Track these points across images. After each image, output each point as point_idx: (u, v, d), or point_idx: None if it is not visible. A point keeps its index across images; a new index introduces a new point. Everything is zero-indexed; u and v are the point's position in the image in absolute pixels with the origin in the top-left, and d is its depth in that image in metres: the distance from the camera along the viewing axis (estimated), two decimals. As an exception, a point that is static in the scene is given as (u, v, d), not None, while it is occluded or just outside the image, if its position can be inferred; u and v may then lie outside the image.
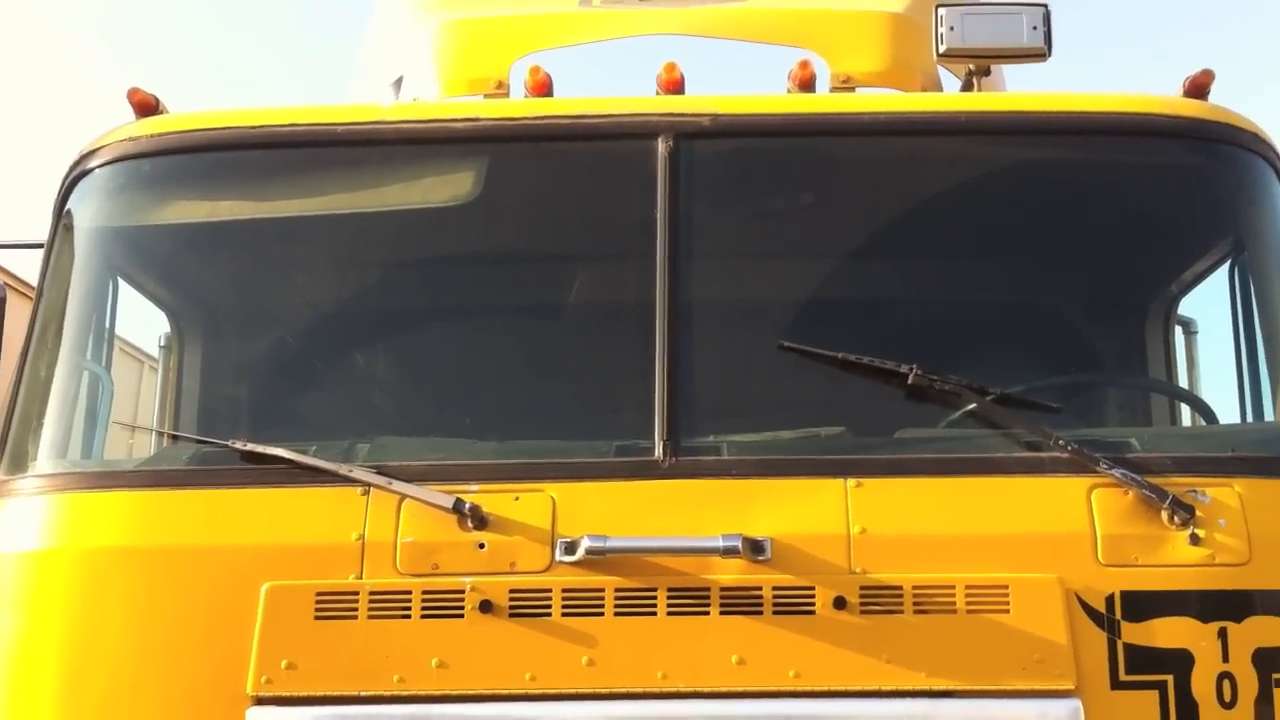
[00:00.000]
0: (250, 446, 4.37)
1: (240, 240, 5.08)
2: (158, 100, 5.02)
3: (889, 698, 3.98)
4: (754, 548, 4.07)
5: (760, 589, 4.06)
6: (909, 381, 4.42)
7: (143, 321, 5.68)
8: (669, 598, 4.07)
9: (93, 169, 4.89)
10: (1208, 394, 5.61)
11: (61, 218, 4.91)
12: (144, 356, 7.90)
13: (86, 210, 4.92)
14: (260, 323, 5.18)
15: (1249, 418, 5.02)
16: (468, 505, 4.15)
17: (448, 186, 4.93)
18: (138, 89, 4.99)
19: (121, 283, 5.12)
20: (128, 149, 4.87)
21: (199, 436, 4.69)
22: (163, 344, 5.82)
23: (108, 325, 5.04)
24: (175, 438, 5.08)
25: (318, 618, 4.06)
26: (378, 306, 5.16)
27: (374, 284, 5.15)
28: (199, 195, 5.05)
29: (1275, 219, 4.90)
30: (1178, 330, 5.87)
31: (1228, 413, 5.09)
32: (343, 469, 4.27)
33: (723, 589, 4.07)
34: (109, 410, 4.93)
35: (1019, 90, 5.77)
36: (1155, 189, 5.09)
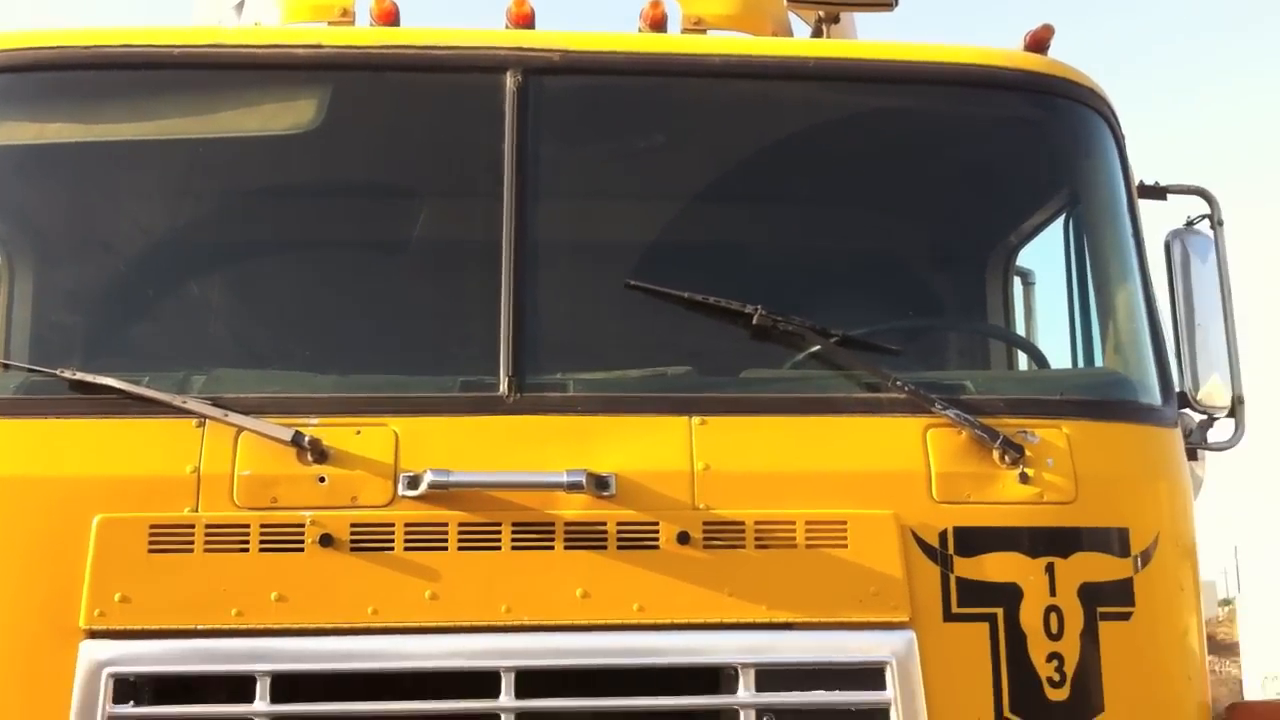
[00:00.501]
0: (81, 375, 4.24)
1: (72, 164, 4.90)
2: (-15, 18, 4.82)
3: (731, 630, 4.03)
4: (598, 483, 4.09)
5: (605, 524, 4.08)
6: (754, 322, 4.46)
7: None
8: (513, 532, 4.06)
9: (-85, 87, 4.67)
10: (1043, 343, 5.77)
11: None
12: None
13: (-92, 130, 4.70)
14: (93, 250, 4.99)
15: (1080, 364, 5.18)
16: (307, 438, 4.08)
17: (288, 114, 4.81)
18: (-36, 6, 4.79)
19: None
20: None
21: (29, 365, 4.52)
22: (-9, 272, 5.58)
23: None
24: (5, 366, 4.89)
25: (152, 551, 3.97)
26: (215, 236, 5.02)
27: (212, 212, 5.00)
28: (28, 117, 4.86)
29: (1109, 173, 5.04)
30: (1016, 281, 6.01)
31: (1060, 360, 5.24)
32: (177, 400, 4.17)
33: (567, 524, 4.07)
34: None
35: (866, 39, 5.84)
36: (995, 141, 5.21)
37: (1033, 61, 5.02)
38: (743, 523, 4.12)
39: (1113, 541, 4.29)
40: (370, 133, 4.92)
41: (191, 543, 3.99)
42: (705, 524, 4.11)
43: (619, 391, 4.43)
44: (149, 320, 4.88)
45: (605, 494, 4.10)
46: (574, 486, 4.06)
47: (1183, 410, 4.82)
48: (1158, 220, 5.20)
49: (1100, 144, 5.06)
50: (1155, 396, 4.70)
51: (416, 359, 4.66)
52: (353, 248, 5.06)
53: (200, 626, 3.93)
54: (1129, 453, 4.52)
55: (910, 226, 5.49)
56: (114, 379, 4.20)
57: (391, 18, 5.21)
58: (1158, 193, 5.28)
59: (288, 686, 3.90)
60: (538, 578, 4.03)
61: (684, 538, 4.08)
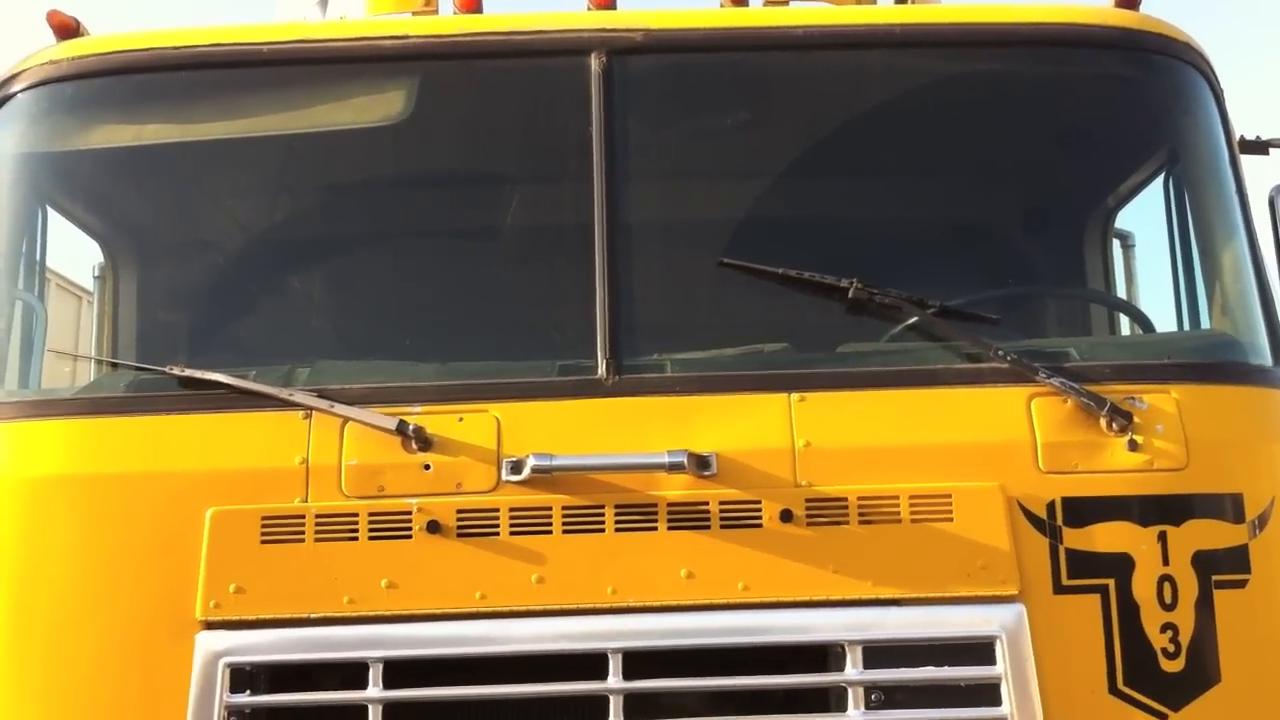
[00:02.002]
0: (189, 372, 4.32)
1: (168, 164, 4.99)
2: (78, 22, 4.90)
3: (836, 607, 4.02)
4: (699, 463, 4.08)
5: (707, 504, 4.08)
6: (850, 296, 4.43)
7: (79, 257, 5.59)
8: (616, 514, 4.07)
9: (14, 94, 4.78)
10: (1145, 307, 5.67)
11: (-15, 145, 4.80)
12: (81, 292, 7.75)
13: (9, 137, 4.82)
14: (194, 248, 5.10)
15: (1185, 327, 5.08)
16: (411, 427, 4.12)
17: (378, 106, 4.85)
18: (57, 11, 4.88)
19: (53, 213, 5.03)
20: (49, 73, 4.76)
21: (137, 363, 4.62)
22: (97, 274, 5.70)
23: (39, 255, 4.94)
24: (114, 365, 5.00)
25: (264, 541, 4.04)
26: (314, 229, 5.09)
27: (308, 206, 5.08)
28: (124, 119, 4.95)
29: (1208, 129, 4.93)
30: (1115, 244, 5.91)
31: (1165, 324, 5.15)
32: (284, 393, 4.23)
33: (670, 504, 4.08)
34: (44, 340, 4.84)
35: (950, 3, 5.76)
36: (1089, 101, 5.10)
37: (1125, 18, 4.91)
38: (845, 499, 4.10)
39: (1226, 508, 4.19)
40: (459, 121, 4.96)
41: (302, 533, 4.06)
42: (808, 501, 4.09)
43: (716, 370, 4.42)
44: (251, 315, 4.97)
45: (707, 474, 4.09)
46: (675, 467, 4.05)
47: (1293, 370, 4.71)
48: (1261, 175, 5.09)
49: (1198, 99, 4.95)
50: (1266, 357, 4.58)
51: (515, 344, 4.68)
52: (447, 236, 5.10)
53: (313, 615, 3.99)
54: (1240, 416, 4.42)
55: (1005, 192, 5.42)
56: (221, 374, 4.27)
57: (475, 5, 5.23)
58: (1259, 147, 5.15)
59: (400, 672, 3.95)
60: (642, 559, 4.04)
61: (787, 515, 4.07)
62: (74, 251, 5.29)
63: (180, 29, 4.83)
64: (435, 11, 5.45)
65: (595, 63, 4.62)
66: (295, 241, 5.06)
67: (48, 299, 5.05)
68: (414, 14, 5.51)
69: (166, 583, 4.02)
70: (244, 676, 3.94)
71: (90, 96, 4.85)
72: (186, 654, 3.95)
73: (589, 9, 5.05)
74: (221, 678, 3.92)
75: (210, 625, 3.99)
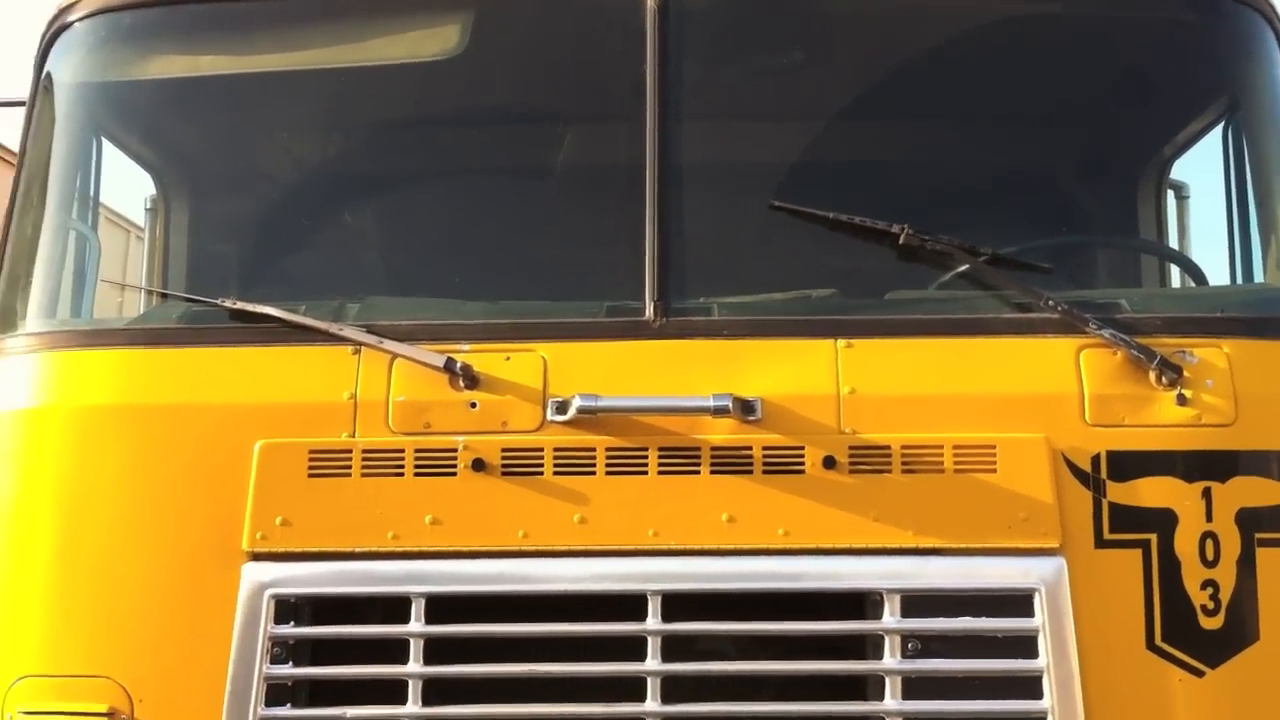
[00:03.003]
0: (240, 305, 4.36)
1: (224, 96, 5.01)
2: (135, -47, 4.91)
3: (876, 555, 4.03)
4: (744, 408, 4.09)
5: (750, 448, 4.09)
6: (900, 242, 4.39)
7: (129, 193, 5.63)
8: (660, 457, 4.09)
9: (72, 23, 4.80)
10: (1199, 260, 5.60)
11: (42, 75, 4.84)
12: (130, 226, 7.82)
13: (66, 66, 4.84)
14: (247, 181, 5.13)
15: (1238, 280, 5.03)
16: (459, 364, 4.15)
17: (433, 41, 4.84)
18: (114, -58, 4.88)
19: (106, 145, 5.07)
20: (107, 2, 4.77)
21: (188, 295, 4.67)
22: (149, 206, 5.76)
23: (93, 186, 4.99)
24: (165, 296, 5.05)
25: (311, 475, 4.09)
26: (365, 164, 5.11)
27: (360, 141, 5.10)
28: (181, 49, 4.96)
29: (1271, 77, 4.84)
30: (1170, 195, 5.83)
31: (1218, 277, 5.09)
32: (333, 327, 4.26)
33: (713, 448, 4.09)
34: (97, 270, 4.90)
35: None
36: (1147, 46, 5.02)
37: (1187, -40, 4.83)
38: (889, 447, 4.09)
39: (1272, 465, 4.15)
40: (513, 57, 4.93)
41: (349, 467, 4.10)
42: (851, 448, 4.09)
43: (764, 315, 4.41)
44: (302, 250, 5.01)
45: (751, 418, 4.10)
46: (720, 411, 4.06)
47: (1346, 327, 4.64)
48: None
49: (1261, 45, 4.84)
50: (1318, 312, 4.53)
51: (563, 284, 4.70)
52: (498, 174, 5.09)
53: (358, 549, 4.05)
54: (1292, 372, 4.38)
55: (1060, 139, 5.35)
56: (273, 308, 4.31)
57: (533, -61, 5.21)
58: (1321, 96, 5.06)
59: (441, 608, 4.01)
60: (684, 502, 4.07)
61: (830, 462, 4.07)
62: (124, 185, 5.33)
63: (239, -39, 4.84)
64: (493, -54, 5.43)
65: None
66: (347, 177, 5.08)
67: (99, 232, 5.10)
68: (472, -51, 5.49)
69: (213, 514, 4.09)
70: (288, 608, 4.00)
71: (147, 26, 4.86)
72: (232, 585, 4.01)
73: (646, -55, 5.01)
74: (266, 609, 3.98)
75: (256, 556, 4.05)
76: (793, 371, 4.20)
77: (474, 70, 4.86)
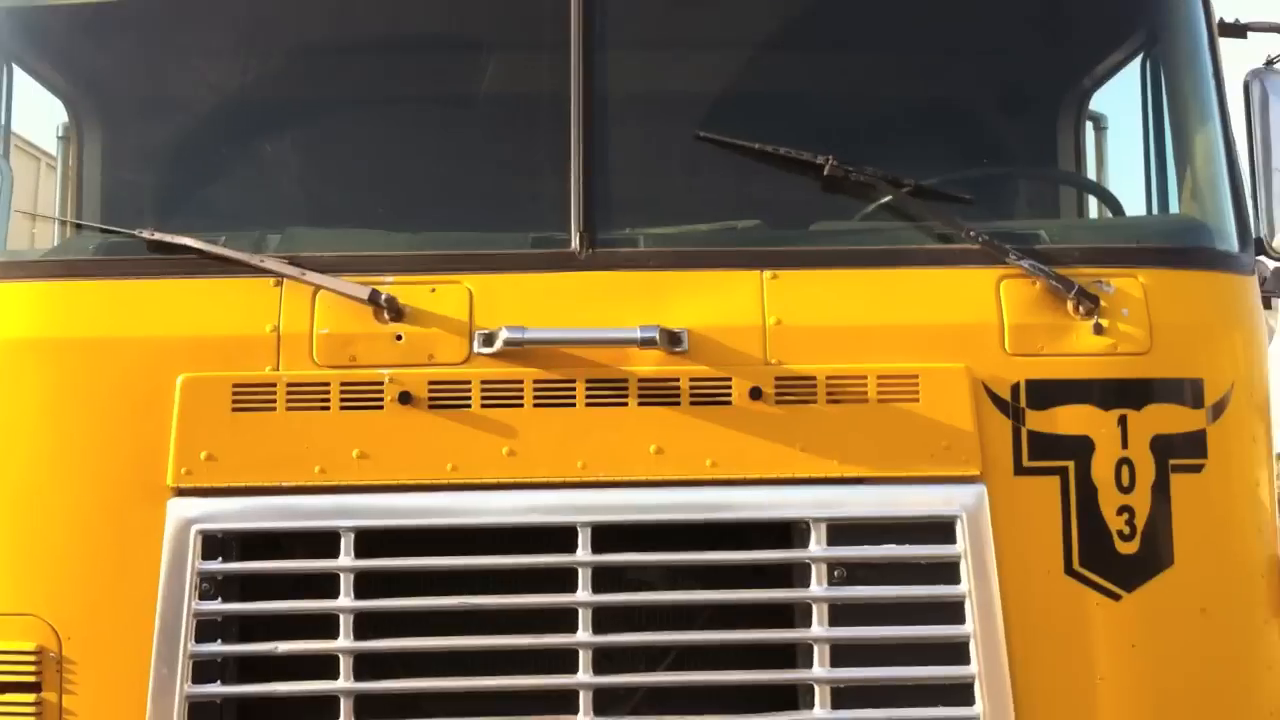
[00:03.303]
0: (159, 236, 4.29)
1: (140, 21, 4.87)
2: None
3: (803, 485, 4.09)
4: (671, 339, 4.11)
5: (677, 380, 4.11)
6: (824, 173, 4.42)
7: (40, 120, 5.48)
8: (587, 389, 4.11)
9: (-20, -53, 4.65)
10: (1117, 191, 5.66)
11: (-51, 1, 4.69)
12: (41, 154, 7.57)
13: (-27, -8, 4.69)
14: (163, 109, 5.01)
15: (1155, 212, 5.11)
16: (384, 296, 4.12)
17: None
18: None
19: (17, 72, 4.93)
20: None
21: (105, 226, 4.57)
22: (61, 134, 5.59)
23: (3, 115, 4.86)
24: (80, 227, 4.95)
25: (235, 409, 4.05)
26: (285, 92, 5.00)
27: (281, 70, 4.97)
28: None
29: (1189, 11, 4.88)
30: (1089, 127, 5.89)
31: (1135, 208, 5.16)
32: (254, 259, 4.21)
33: (641, 380, 4.11)
34: (9, 201, 4.77)
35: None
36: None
37: (1110, -106, 4.86)
38: (814, 377, 4.14)
39: (1186, 393, 4.26)
40: None
41: (274, 401, 4.07)
42: (777, 379, 4.13)
43: (689, 246, 4.42)
44: (221, 179, 4.91)
45: (678, 350, 4.12)
46: (647, 342, 4.08)
47: (1258, 257, 4.74)
48: (1237, 60, 5.06)
49: (1180, -21, 4.90)
50: (1233, 243, 4.61)
51: (489, 216, 4.66)
52: (422, 104, 5.02)
53: (285, 484, 4.03)
54: (1205, 301, 4.46)
55: (981, 71, 5.35)
56: (192, 239, 4.24)
57: None
58: (1238, 30, 5.11)
59: (370, 542, 4.00)
60: (612, 434, 4.09)
61: (756, 393, 4.11)
62: (35, 111, 5.18)
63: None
64: None
65: None
66: (266, 105, 4.97)
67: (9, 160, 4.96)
68: None
69: (137, 449, 4.04)
70: (215, 544, 3.99)
71: None
72: (158, 520, 3.98)
73: None
74: (193, 544, 3.96)
75: (182, 492, 4.02)
76: (719, 303, 4.22)
77: None
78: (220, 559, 3.98)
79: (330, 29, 4.93)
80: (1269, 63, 5.04)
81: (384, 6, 4.81)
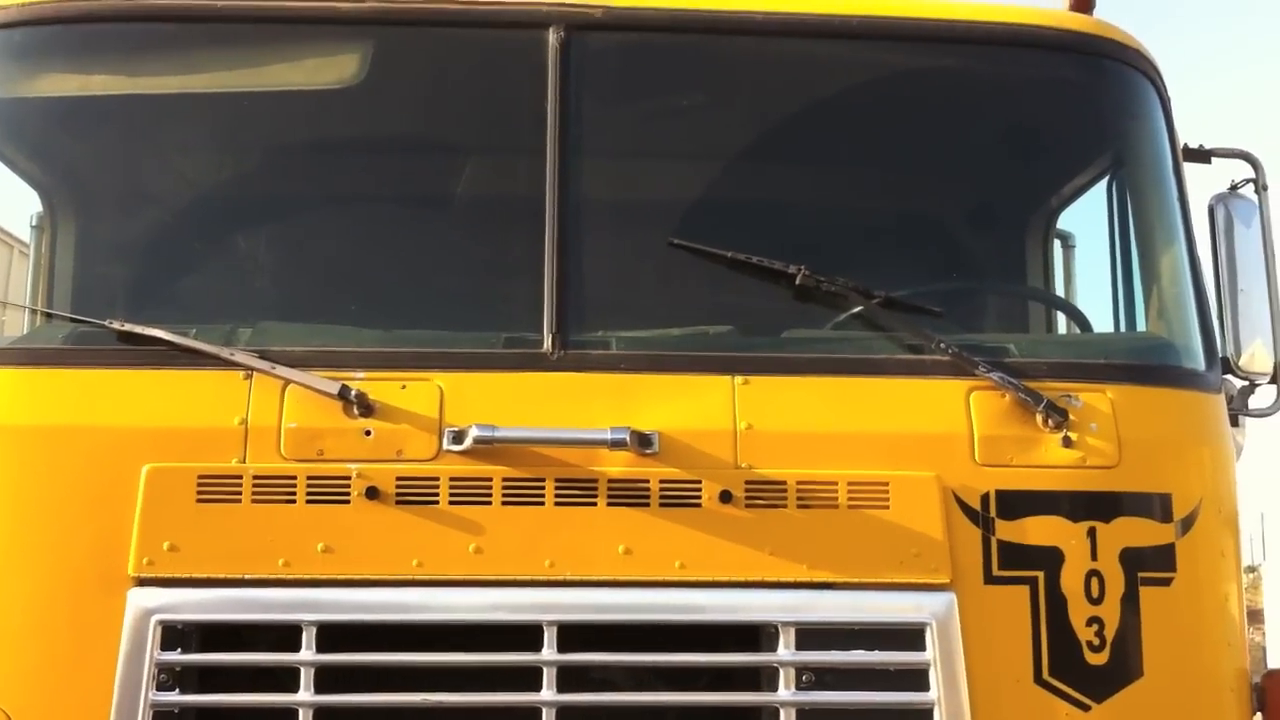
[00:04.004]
0: (129, 326, 4.26)
1: (117, 116, 4.91)
2: (30, -32, 4.81)
3: (771, 589, 4.06)
4: (641, 441, 4.10)
5: (648, 481, 4.10)
6: (796, 282, 4.46)
7: (12, 205, 5.49)
8: (557, 488, 4.08)
9: (-39, 38, 4.69)
10: (1083, 307, 5.74)
11: (-71, 89, 4.72)
12: (14, 241, 7.58)
13: (-45, 81, 4.72)
14: (139, 203, 5.02)
15: (1122, 328, 5.17)
16: (354, 392, 4.10)
17: (332, 69, 4.81)
18: (9, -44, 4.79)
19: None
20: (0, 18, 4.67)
21: (75, 316, 4.56)
22: (34, 224, 5.62)
23: (-24, 202, 4.88)
24: (50, 316, 4.93)
25: (200, 500, 4.01)
26: (260, 190, 5.02)
27: (257, 166, 5.01)
28: (74, 69, 4.86)
29: (1154, 136, 5.01)
30: (1056, 244, 5.99)
31: (1102, 324, 5.22)
32: (224, 352, 4.19)
33: (610, 480, 4.09)
34: (-21, 288, 4.77)
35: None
36: (1038, 102, 5.17)
37: (1077, 21, 4.99)
38: (785, 482, 4.13)
39: (1155, 507, 4.28)
40: (414, 88, 4.92)
41: (239, 493, 4.03)
42: (747, 483, 4.12)
43: (662, 350, 4.43)
44: (194, 273, 4.90)
45: (648, 452, 4.11)
46: (617, 444, 4.07)
47: (1225, 376, 4.80)
48: (1202, 184, 5.17)
49: (1145, 106, 5.02)
50: (1199, 361, 4.68)
51: (461, 315, 4.67)
52: (397, 204, 5.03)
53: (247, 576, 3.97)
54: (1173, 418, 4.51)
55: (952, 188, 5.46)
56: (162, 330, 4.22)
57: (434, -28, 5.20)
58: (1202, 156, 5.24)
59: (333, 636, 3.94)
60: (580, 534, 4.06)
61: (726, 496, 4.10)
62: (6, 199, 5.19)
63: (135, -20, 4.76)
64: (394, -24, 5.41)
65: (553, 37, 4.61)
66: (242, 201, 4.98)
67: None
68: (372, -22, 5.47)
69: (99, 538, 3.98)
70: (175, 635, 3.91)
71: (41, 44, 4.77)
72: (118, 610, 3.91)
73: (551, -17, 5.04)
74: (153, 635, 3.88)
75: (143, 582, 3.95)
76: (690, 406, 4.22)
77: (373, 99, 4.84)
78: (179, 650, 3.90)
79: (307, 129, 4.97)
80: (1233, 187, 5.16)
81: (361, 108, 4.84)
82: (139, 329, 4.25)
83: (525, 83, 4.62)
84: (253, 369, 4.17)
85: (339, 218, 5.03)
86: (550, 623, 3.94)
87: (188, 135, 4.96)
